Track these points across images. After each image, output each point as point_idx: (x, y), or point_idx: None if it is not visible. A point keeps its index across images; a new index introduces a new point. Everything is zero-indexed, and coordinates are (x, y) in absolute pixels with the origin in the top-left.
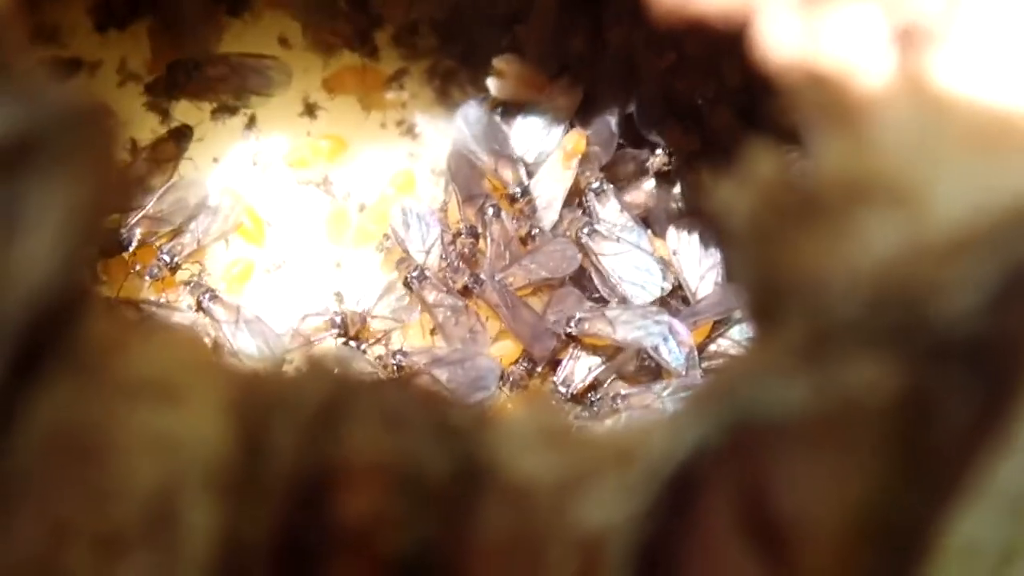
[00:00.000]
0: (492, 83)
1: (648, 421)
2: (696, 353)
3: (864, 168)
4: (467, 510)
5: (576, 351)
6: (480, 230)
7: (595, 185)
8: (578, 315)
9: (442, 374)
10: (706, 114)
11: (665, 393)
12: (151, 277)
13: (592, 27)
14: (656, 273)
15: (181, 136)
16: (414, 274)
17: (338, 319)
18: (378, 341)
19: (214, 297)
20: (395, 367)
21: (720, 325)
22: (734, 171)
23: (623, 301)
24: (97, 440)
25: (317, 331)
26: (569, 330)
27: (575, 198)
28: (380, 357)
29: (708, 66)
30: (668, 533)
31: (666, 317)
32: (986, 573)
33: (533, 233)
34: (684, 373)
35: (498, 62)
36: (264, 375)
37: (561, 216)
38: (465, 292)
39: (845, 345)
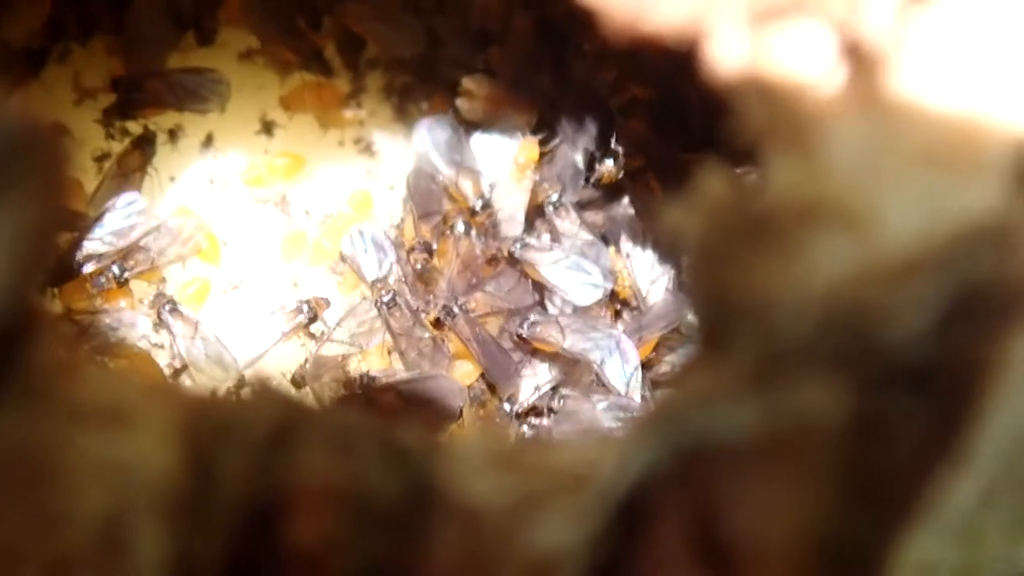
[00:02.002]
0: (461, 103)
1: (598, 444)
2: (640, 372)
3: (815, 189)
4: (418, 533)
5: (524, 364)
6: (435, 246)
7: (554, 198)
8: (532, 318)
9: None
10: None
11: (600, 406)
12: (96, 287)
13: (557, 59)
14: (595, 272)
15: (145, 143)
16: (386, 298)
17: (304, 306)
18: (335, 366)
19: (174, 309)
20: (360, 387)
21: (668, 341)
22: (685, 193)
23: (573, 308)
24: (46, 465)
25: (289, 317)
26: (521, 331)
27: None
28: (345, 382)
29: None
30: (620, 557)
31: (617, 331)
32: None
33: (497, 255)
34: (624, 393)
35: (468, 82)
36: (214, 400)
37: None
38: (437, 324)
39: (795, 368)
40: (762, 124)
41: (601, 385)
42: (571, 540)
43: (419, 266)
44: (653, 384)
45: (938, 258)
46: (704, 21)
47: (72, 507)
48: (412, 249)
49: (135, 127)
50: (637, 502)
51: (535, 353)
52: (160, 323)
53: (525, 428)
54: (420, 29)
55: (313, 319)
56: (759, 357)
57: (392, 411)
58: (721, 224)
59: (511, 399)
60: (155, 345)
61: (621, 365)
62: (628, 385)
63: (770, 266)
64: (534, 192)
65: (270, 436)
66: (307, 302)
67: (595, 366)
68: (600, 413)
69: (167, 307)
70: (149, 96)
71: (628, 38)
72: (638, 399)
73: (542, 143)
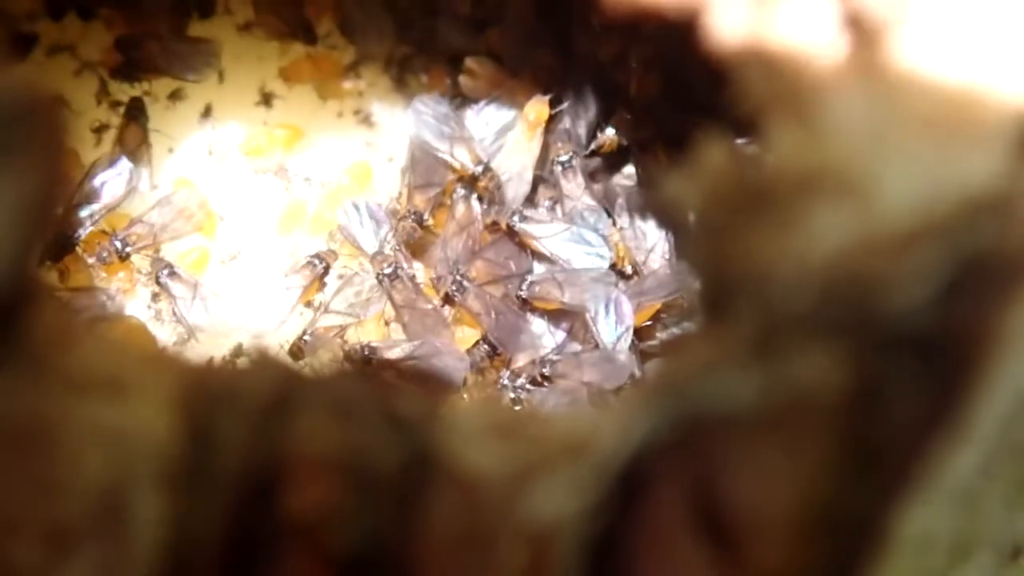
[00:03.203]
0: (464, 81)
1: (597, 414)
2: (631, 333)
3: (815, 158)
4: (417, 502)
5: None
6: (426, 216)
7: (564, 158)
8: (529, 279)
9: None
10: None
11: (587, 362)
12: (99, 260)
13: (558, 34)
14: (598, 242)
15: (137, 113)
16: (388, 271)
17: (315, 260)
18: (334, 336)
19: (172, 273)
20: (364, 360)
21: (665, 316)
22: (685, 162)
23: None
24: (46, 434)
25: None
26: (521, 293)
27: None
28: (348, 351)
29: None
30: (618, 526)
31: (616, 289)
32: (940, 565)
33: (496, 223)
34: (611, 348)
35: (471, 62)
36: (212, 368)
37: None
38: (447, 299)
39: (795, 338)
40: (763, 95)
41: (593, 341)
42: (570, 510)
43: (406, 235)
44: (642, 355)
45: (939, 228)
46: None
47: (71, 476)
48: (403, 217)
49: (124, 96)
50: (636, 472)
51: (534, 312)
52: (159, 288)
53: (517, 394)
54: (390, 29)
55: (327, 270)
56: (759, 327)
57: (392, 384)
58: (721, 194)
59: (515, 371)
60: (153, 317)
61: (614, 322)
62: (616, 343)
63: (770, 236)
64: (544, 151)
65: (268, 405)
66: (316, 255)
67: (588, 316)
68: (587, 368)
69: (165, 271)
70: (144, 57)
71: (629, 10)
72: (623, 357)
73: (552, 104)
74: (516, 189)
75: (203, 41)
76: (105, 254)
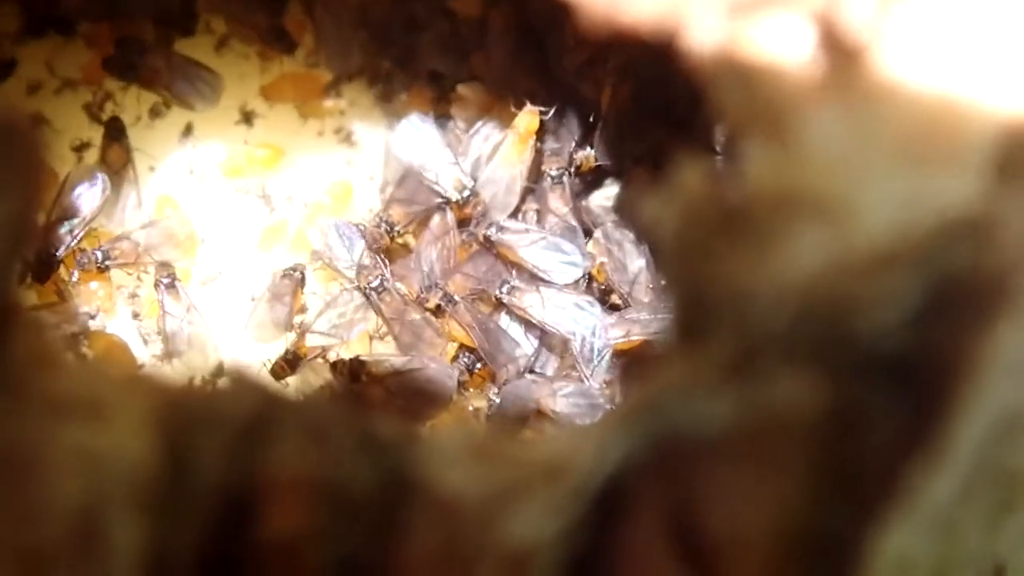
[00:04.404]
0: (455, 110)
1: (575, 435)
2: (608, 358)
3: (792, 180)
4: (394, 524)
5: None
6: (398, 227)
7: (554, 172)
8: (511, 283)
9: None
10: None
11: (560, 393)
12: (79, 265)
13: (541, 61)
14: (574, 252)
15: (117, 132)
16: (374, 284)
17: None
18: (316, 357)
19: (171, 285)
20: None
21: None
22: (662, 183)
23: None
24: (22, 457)
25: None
26: (500, 295)
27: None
28: (336, 364)
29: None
30: (596, 549)
31: (598, 310)
32: None
33: (469, 241)
34: (589, 379)
35: (463, 89)
36: (190, 390)
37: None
38: (437, 311)
39: (771, 360)
40: (740, 114)
41: (571, 367)
42: (547, 532)
43: (374, 242)
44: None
45: (916, 250)
46: (681, 13)
47: (47, 499)
48: (376, 225)
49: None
50: (614, 494)
51: (510, 316)
52: (157, 292)
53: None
54: (364, 44)
55: (304, 279)
56: (735, 349)
57: (382, 402)
58: (697, 215)
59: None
60: (135, 330)
61: (598, 351)
62: (594, 369)
63: (747, 258)
64: (534, 164)
65: (246, 426)
66: (290, 268)
67: (571, 342)
68: (559, 399)
69: (165, 279)
70: (146, 68)
71: (605, 31)
72: (598, 384)
73: (543, 114)
74: (504, 199)
75: (208, 70)
76: (86, 261)
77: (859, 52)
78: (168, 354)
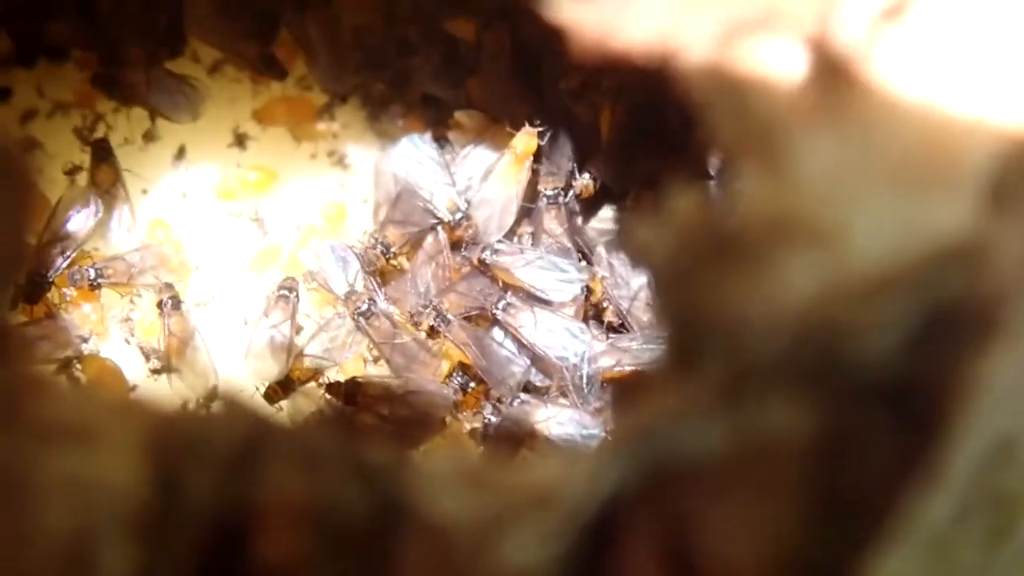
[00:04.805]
0: (453, 136)
1: (566, 461)
2: (598, 384)
3: (785, 205)
4: (386, 550)
5: None
6: (393, 248)
7: (551, 193)
8: (506, 299)
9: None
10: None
11: (555, 419)
12: (72, 281)
13: (536, 87)
14: (571, 269)
15: (104, 153)
16: (362, 308)
17: (282, 291)
18: (309, 381)
19: (176, 307)
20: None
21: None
22: (656, 208)
23: (548, 303)
24: (12, 483)
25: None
26: (496, 312)
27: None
28: (332, 386)
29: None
30: (589, 574)
31: (588, 337)
32: None
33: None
34: (580, 407)
35: (460, 115)
36: (181, 416)
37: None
38: (431, 332)
39: (764, 386)
40: (732, 140)
41: (562, 391)
42: (540, 559)
43: (369, 264)
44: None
45: (909, 277)
46: (673, 38)
47: (37, 525)
48: (371, 246)
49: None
50: (607, 520)
51: (504, 332)
52: (160, 312)
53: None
54: (358, 66)
55: (297, 296)
56: (728, 374)
57: (376, 426)
58: (690, 241)
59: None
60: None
61: (584, 376)
62: (584, 397)
63: (740, 283)
64: (531, 185)
65: (237, 453)
66: (282, 287)
67: (564, 370)
68: (554, 425)
69: (170, 302)
70: (126, 82)
71: (597, 56)
72: (590, 411)
73: (541, 136)
74: (500, 220)
75: (189, 83)
76: (78, 277)
77: (851, 77)
78: (169, 372)
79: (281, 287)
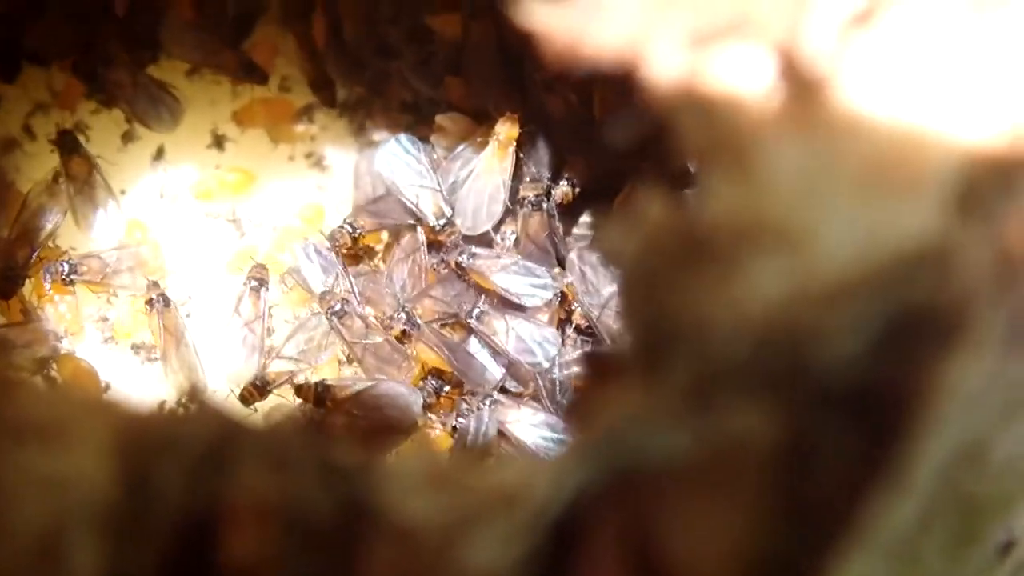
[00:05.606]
0: (435, 139)
1: (532, 463)
2: (569, 393)
3: (753, 210)
4: (353, 551)
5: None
6: (359, 231)
7: (532, 198)
8: (479, 308)
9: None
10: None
11: (528, 422)
12: (48, 273)
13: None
14: (544, 275)
15: (71, 144)
16: (336, 308)
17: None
18: (285, 382)
19: (167, 304)
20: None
21: None
22: (623, 213)
23: (520, 308)
24: None
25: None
26: (471, 321)
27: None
28: (301, 388)
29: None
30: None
31: (559, 343)
32: None
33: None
34: (550, 407)
35: (441, 119)
36: (151, 415)
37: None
38: (403, 336)
39: (729, 390)
40: (701, 145)
41: (534, 396)
42: (505, 560)
43: (335, 242)
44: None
45: (873, 281)
46: (643, 44)
47: (8, 522)
48: (341, 227)
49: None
50: (571, 523)
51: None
52: (150, 306)
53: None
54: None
55: (262, 280)
56: (693, 378)
57: (346, 429)
58: (658, 245)
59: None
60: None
61: (556, 382)
62: (556, 403)
63: (707, 287)
64: (514, 186)
65: (206, 452)
66: (251, 278)
67: (537, 376)
68: (526, 427)
69: (161, 299)
70: (111, 81)
71: (568, 62)
72: (562, 414)
73: (522, 125)
74: (490, 208)
75: (171, 94)
76: (53, 271)
77: (820, 83)
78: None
79: (251, 277)
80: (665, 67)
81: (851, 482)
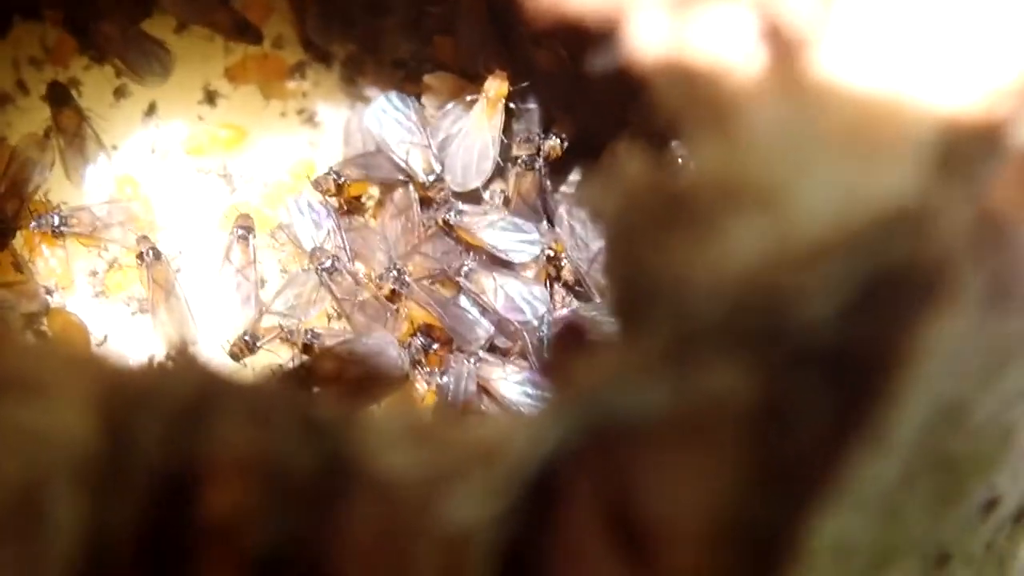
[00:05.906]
0: (425, 99)
1: (511, 418)
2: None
3: (733, 171)
4: (333, 505)
5: None
6: (344, 180)
7: (525, 157)
8: (468, 266)
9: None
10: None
11: (511, 379)
12: (37, 223)
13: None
14: (532, 231)
15: (62, 97)
16: (326, 264)
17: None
18: (275, 337)
19: (156, 258)
20: (305, 344)
21: None
22: (604, 170)
23: (508, 265)
24: None
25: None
26: (460, 279)
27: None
28: (290, 332)
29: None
30: (532, 532)
31: (548, 300)
32: (861, 571)
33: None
34: (537, 365)
35: (429, 79)
36: (134, 370)
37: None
38: (393, 296)
39: (707, 349)
40: (682, 105)
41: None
42: (484, 515)
43: (320, 187)
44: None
45: (852, 241)
46: (625, 4)
47: None
48: (327, 174)
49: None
50: (549, 478)
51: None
52: (141, 260)
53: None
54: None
55: (248, 228)
56: (672, 337)
57: (332, 378)
58: (638, 203)
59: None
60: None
61: (544, 339)
62: (544, 356)
63: (686, 246)
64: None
65: (187, 406)
66: (238, 227)
67: (524, 333)
68: (510, 384)
69: (150, 253)
70: (101, 34)
71: (551, 19)
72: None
73: (512, 85)
74: (479, 165)
75: (162, 47)
76: (43, 221)
77: (802, 45)
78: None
79: (238, 226)
80: (647, 27)
81: (828, 441)
